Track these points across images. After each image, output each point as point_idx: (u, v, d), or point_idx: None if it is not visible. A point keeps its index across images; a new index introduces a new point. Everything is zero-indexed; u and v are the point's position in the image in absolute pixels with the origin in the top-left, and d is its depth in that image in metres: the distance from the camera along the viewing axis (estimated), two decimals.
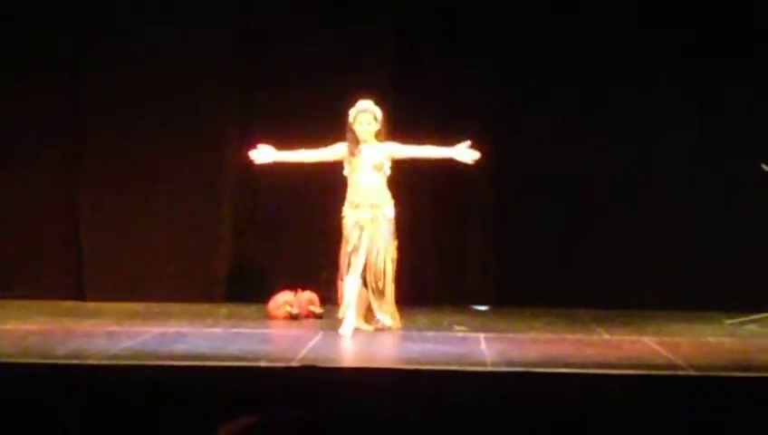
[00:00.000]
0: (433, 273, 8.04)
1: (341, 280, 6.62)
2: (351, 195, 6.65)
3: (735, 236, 7.75)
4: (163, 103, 7.95)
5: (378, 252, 6.54)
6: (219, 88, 7.99)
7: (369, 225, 6.56)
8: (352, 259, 6.55)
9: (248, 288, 7.94)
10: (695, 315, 7.35)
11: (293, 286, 7.40)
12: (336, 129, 7.71)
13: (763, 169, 7.10)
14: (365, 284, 6.55)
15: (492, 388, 5.19)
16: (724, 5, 7.77)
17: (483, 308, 7.74)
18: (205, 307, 7.62)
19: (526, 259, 7.86)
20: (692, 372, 5.39)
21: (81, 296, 7.94)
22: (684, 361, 5.67)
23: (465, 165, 6.71)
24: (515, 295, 7.77)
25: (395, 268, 6.63)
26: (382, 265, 6.57)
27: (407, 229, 8.00)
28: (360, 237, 6.55)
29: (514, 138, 7.87)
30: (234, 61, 7.98)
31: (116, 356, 5.62)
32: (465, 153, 6.63)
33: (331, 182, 7.95)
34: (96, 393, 5.06)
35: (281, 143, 7.87)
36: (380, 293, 6.57)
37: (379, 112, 6.63)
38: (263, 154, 6.80)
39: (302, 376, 5.20)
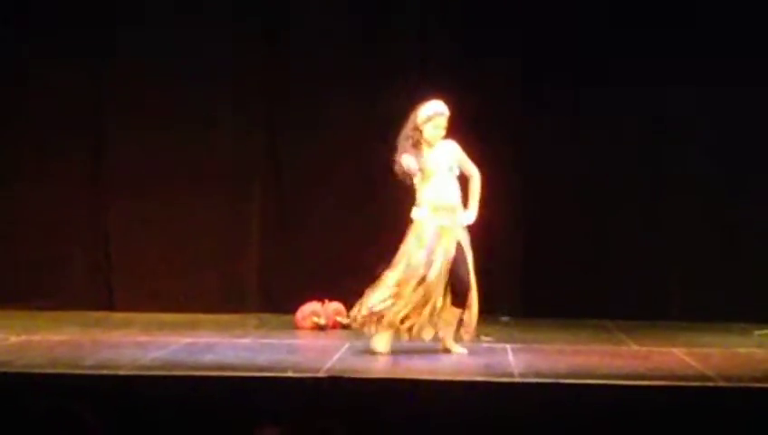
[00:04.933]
0: None
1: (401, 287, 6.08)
2: (431, 196, 6.13)
3: (765, 245, 7.68)
4: (189, 114, 7.98)
5: (459, 263, 6.09)
6: (243, 97, 8.02)
7: (449, 233, 6.12)
8: (429, 268, 6.04)
9: (276, 298, 7.96)
10: (724, 326, 7.29)
11: (321, 297, 7.41)
12: (360, 134, 7.74)
13: None
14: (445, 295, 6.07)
15: (520, 399, 5.17)
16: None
17: (506, 319, 7.66)
18: (233, 317, 7.64)
19: (554, 270, 7.82)
20: (722, 384, 5.35)
21: (111, 307, 7.99)
22: (714, 372, 5.63)
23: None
24: (543, 306, 7.74)
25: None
26: (467, 276, 6.09)
27: None
28: (438, 245, 6.06)
29: (541, 149, 7.84)
30: (258, 66, 8.00)
31: (145, 366, 5.64)
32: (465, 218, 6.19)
33: (359, 193, 7.97)
34: (125, 404, 5.08)
35: (306, 146, 7.91)
36: (467, 306, 6.09)
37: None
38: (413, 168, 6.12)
39: (328, 387, 5.20)
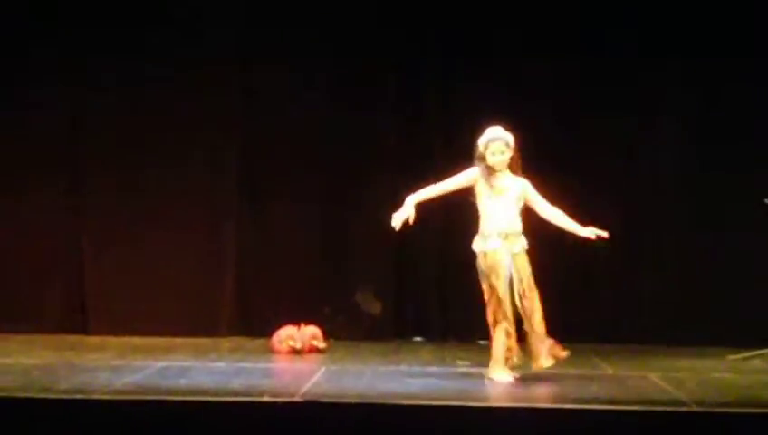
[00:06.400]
0: (436, 307, 8.04)
1: (501, 321, 6.15)
2: (488, 226, 6.16)
3: (739, 271, 7.75)
4: (166, 139, 8.00)
5: (525, 285, 6.12)
6: (221, 125, 8.05)
7: (514, 257, 6.14)
8: (504, 297, 6.10)
9: (252, 322, 7.95)
10: (698, 351, 7.34)
11: (297, 321, 7.41)
12: (338, 160, 7.77)
13: (766, 204, 7.12)
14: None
15: (494, 424, 5.18)
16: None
17: (483, 342, 7.69)
18: (208, 341, 7.63)
19: None
20: (696, 408, 5.38)
21: (85, 330, 7.95)
22: (688, 396, 5.66)
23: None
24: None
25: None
26: (533, 299, 6.13)
27: (412, 262, 8.07)
28: (506, 272, 6.10)
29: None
30: (235, 96, 8.04)
31: (119, 391, 5.62)
32: (590, 232, 6.30)
33: (336, 216, 8.00)
34: (99, 428, 5.06)
35: (282, 170, 7.94)
36: (535, 330, 6.17)
37: (510, 139, 6.20)
38: (404, 211, 6.14)
39: (304, 411, 5.19)
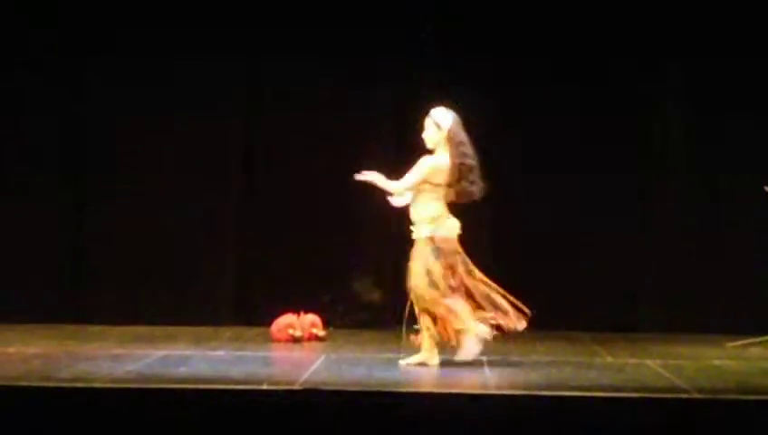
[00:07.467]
0: None
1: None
2: None
3: (738, 258, 7.76)
4: (166, 127, 7.99)
5: (412, 275, 6.17)
6: (220, 109, 8.04)
7: (415, 245, 6.20)
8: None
9: (251, 311, 7.95)
10: (698, 338, 7.35)
11: (297, 309, 7.42)
12: (338, 148, 7.76)
13: (764, 192, 7.12)
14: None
15: (494, 411, 5.19)
16: None
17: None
18: (208, 330, 7.64)
19: (527, 282, 7.84)
20: (696, 395, 5.39)
21: (85, 319, 7.96)
22: (688, 384, 5.67)
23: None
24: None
25: (432, 295, 6.17)
26: (415, 289, 6.16)
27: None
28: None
29: (510, 164, 7.88)
30: (236, 81, 8.03)
31: (120, 379, 5.63)
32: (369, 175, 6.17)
33: (332, 205, 8.00)
34: (100, 417, 5.07)
35: (282, 160, 7.94)
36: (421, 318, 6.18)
37: (441, 118, 6.09)
38: (366, 175, 6.22)
39: (303, 399, 5.21)
